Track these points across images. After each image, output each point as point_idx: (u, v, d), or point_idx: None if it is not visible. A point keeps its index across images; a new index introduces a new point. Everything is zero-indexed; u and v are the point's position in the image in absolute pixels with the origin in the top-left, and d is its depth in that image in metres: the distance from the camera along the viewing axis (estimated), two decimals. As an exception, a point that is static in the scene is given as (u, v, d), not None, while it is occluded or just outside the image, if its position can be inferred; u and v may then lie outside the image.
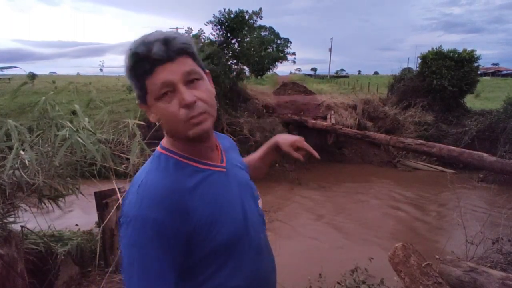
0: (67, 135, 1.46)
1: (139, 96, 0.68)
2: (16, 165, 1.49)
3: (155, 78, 0.62)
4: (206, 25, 10.57)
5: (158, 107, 0.65)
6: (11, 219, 1.84)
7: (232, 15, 10.37)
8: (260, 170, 1.08)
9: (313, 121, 9.41)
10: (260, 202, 0.86)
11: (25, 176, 1.49)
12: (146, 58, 0.61)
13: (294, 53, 32.66)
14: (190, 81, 0.64)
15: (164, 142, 0.73)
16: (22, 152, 1.47)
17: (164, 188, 0.63)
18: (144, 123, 2.13)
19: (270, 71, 26.86)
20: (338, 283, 3.10)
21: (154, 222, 0.60)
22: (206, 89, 0.67)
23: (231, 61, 10.38)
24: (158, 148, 0.73)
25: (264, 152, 1.05)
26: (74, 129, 1.50)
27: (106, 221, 2.17)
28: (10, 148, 1.55)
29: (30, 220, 2.09)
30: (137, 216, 0.61)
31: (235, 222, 0.71)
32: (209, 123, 0.67)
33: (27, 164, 1.48)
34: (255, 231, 0.77)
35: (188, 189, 0.66)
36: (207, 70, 0.73)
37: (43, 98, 1.61)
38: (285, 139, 0.99)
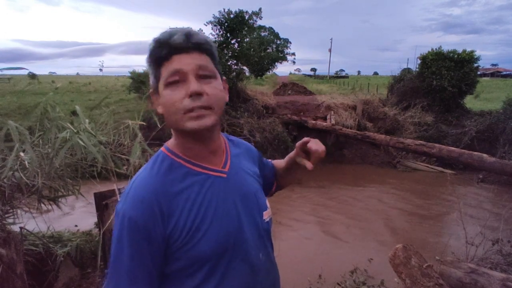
0: (67, 137, 1.46)
1: (153, 84, 0.69)
2: (16, 167, 1.49)
3: (170, 65, 0.64)
4: (206, 25, 10.57)
5: (164, 94, 0.65)
6: (10, 220, 1.83)
7: (231, 16, 10.37)
8: (285, 179, 0.99)
9: (313, 122, 9.41)
10: (267, 213, 0.79)
11: (24, 178, 1.48)
12: (166, 44, 0.63)
13: (293, 54, 32.69)
14: (203, 76, 0.65)
15: (169, 142, 0.73)
16: (21, 154, 1.46)
17: (148, 190, 0.64)
18: (144, 123, 2.12)
19: (270, 71, 26.85)
20: (338, 284, 3.09)
21: (129, 220, 0.62)
22: (216, 88, 0.67)
23: (230, 62, 10.37)
24: (162, 147, 0.74)
25: (288, 158, 0.93)
26: (75, 131, 1.50)
27: (106, 222, 2.17)
28: (10, 149, 1.54)
29: (29, 221, 2.08)
30: (119, 211, 0.64)
31: (223, 232, 0.67)
32: (210, 121, 0.65)
33: (27, 166, 1.47)
34: (252, 247, 0.72)
35: (174, 193, 0.65)
36: (224, 78, 0.74)
37: (44, 99, 1.60)
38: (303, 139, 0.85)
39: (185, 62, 0.63)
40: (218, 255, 0.66)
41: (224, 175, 0.72)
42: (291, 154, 0.90)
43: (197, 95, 0.63)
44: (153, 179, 0.66)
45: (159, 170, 0.67)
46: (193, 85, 0.62)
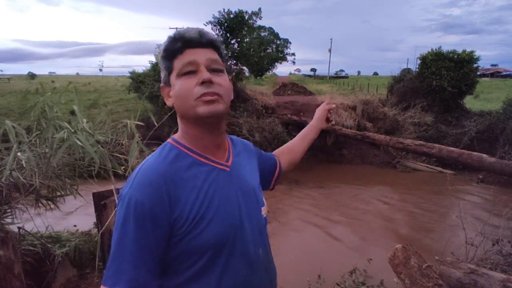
0: (65, 137, 1.45)
1: (164, 78, 0.73)
2: (13, 166, 1.48)
3: (183, 58, 0.69)
4: (206, 25, 10.55)
5: (177, 84, 0.69)
6: (9, 220, 1.82)
7: (231, 16, 10.36)
8: (300, 151, 1.13)
9: (313, 122, 9.38)
10: (264, 209, 0.82)
11: (21, 178, 1.47)
12: (180, 39, 0.69)
13: (293, 54, 32.54)
14: (213, 70, 0.70)
15: (176, 134, 0.76)
16: (19, 154, 1.45)
17: (156, 173, 0.65)
18: (143, 124, 2.11)
19: (270, 71, 26.83)
20: (338, 284, 3.09)
21: (136, 203, 0.62)
22: (225, 80, 0.72)
23: (230, 62, 10.36)
24: (169, 139, 0.76)
25: (309, 126, 1.14)
26: (72, 131, 1.49)
27: (104, 222, 2.16)
28: (7, 149, 1.53)
29: (28, 221, 2.07)
30: (125, 195, 0.65)
31: (225, 224, 0.68)
32: (221, 108, 0.69)
33: (24, 165, 1.46)
34: (251, 242, 0.74)
35: (181, 179, 0.67)
36: (230, 77, 0.78)
37: (41, 98, 1.60)
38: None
39: (198, 54, 0.69)
40: (218, 247, 0.67)
41: (228, 169, 0.75)
42: (312, 122, 1.15)
43: (208, 82, 0.67)
44: (161, 164, 0.68)
45: (167, 158, 0.69)
46: (205, 73, 0.67)
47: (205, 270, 0.67)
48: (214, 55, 0.71)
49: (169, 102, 0.74)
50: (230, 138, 0.87)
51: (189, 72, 0.68)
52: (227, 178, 0.73)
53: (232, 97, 0.76)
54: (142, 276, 0.62)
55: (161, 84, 0.75)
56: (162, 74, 0.74)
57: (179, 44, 0.69)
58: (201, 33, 0.70)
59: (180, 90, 0.68)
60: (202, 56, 0.69)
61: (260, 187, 0.87)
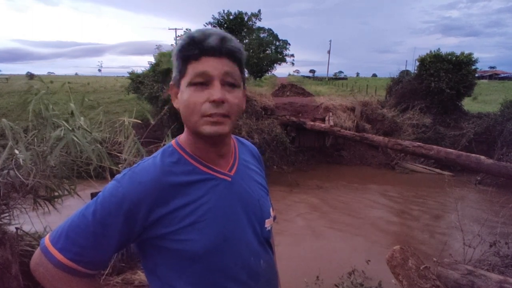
0: (61, 135, 1.45)
1: (175, 78, 0.69)
2: (11, 165, 1.48)
3: (198, 65, 0.63)
4: (205, 26, 10.59)
5: (186, 93, 0.65)
6: (6, 221, 1.81)
7: (231, 17, 10.42)
8: None
9: (312, 123, 9.39)
10: (269, 222, 0.79)
11: (20, 176, 1.47)
12: (199, 44, 0.63)
13: (292, 55, 32.57)
14: (227, 83, 0.65)
15: (180, 137, 0.74)
16: (16, 152, 1.45)
17: (150, 176, 0.65)
18: (140, 122, 2.11)
19: (269, 72, 26.87)
20: (336, 285, 3.09)
21: (117, 196, 0.62)
22: (238, 97, 0.67)
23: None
24: (172, 141, 0.74)
25: None
26: (70, 129, 1.49)
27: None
28: (5, 148, 1.53)
29: (25, 222, 2.06)
30: (114, 181, 0.66)
31: (216, 235, 0.66)
32: (226, 129, 0.65)
33: (22, 164, 1.46)
34: (251, 253, 0.72)
35: (176, 184, 0.66)
36: (246, 86, 0.74)
37: (35, 97, 1.60)
38: None
39: (214, 66, 0.63)
40: (212, 257, 0.66)
41: (229, 179, 0.72)
42: None
43: (219, 102, 0.63)
44: (158, 167, 0.66)
45: (166, 161, 0.68)
46: (217, 92, 0.62)
47: (201, 279, 0.66)
48: (232, 67, 0.65)
49: (175, 104, 0.70)
50: (238, 140, 0.85)
51: (201, 83, 0.63)
52: (227, 189, 0.71)
53: (244, 109, 0.73)
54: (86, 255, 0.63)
55: (171, 82, 0.70)
56: (174, 72, 0.69)
57: (196, 50, 0.63)
58: (223, 40, 0.63)
59: (187, 101, 0.64)
60: (218, 68, 0.63)
61: (268, 197, 0.83)
